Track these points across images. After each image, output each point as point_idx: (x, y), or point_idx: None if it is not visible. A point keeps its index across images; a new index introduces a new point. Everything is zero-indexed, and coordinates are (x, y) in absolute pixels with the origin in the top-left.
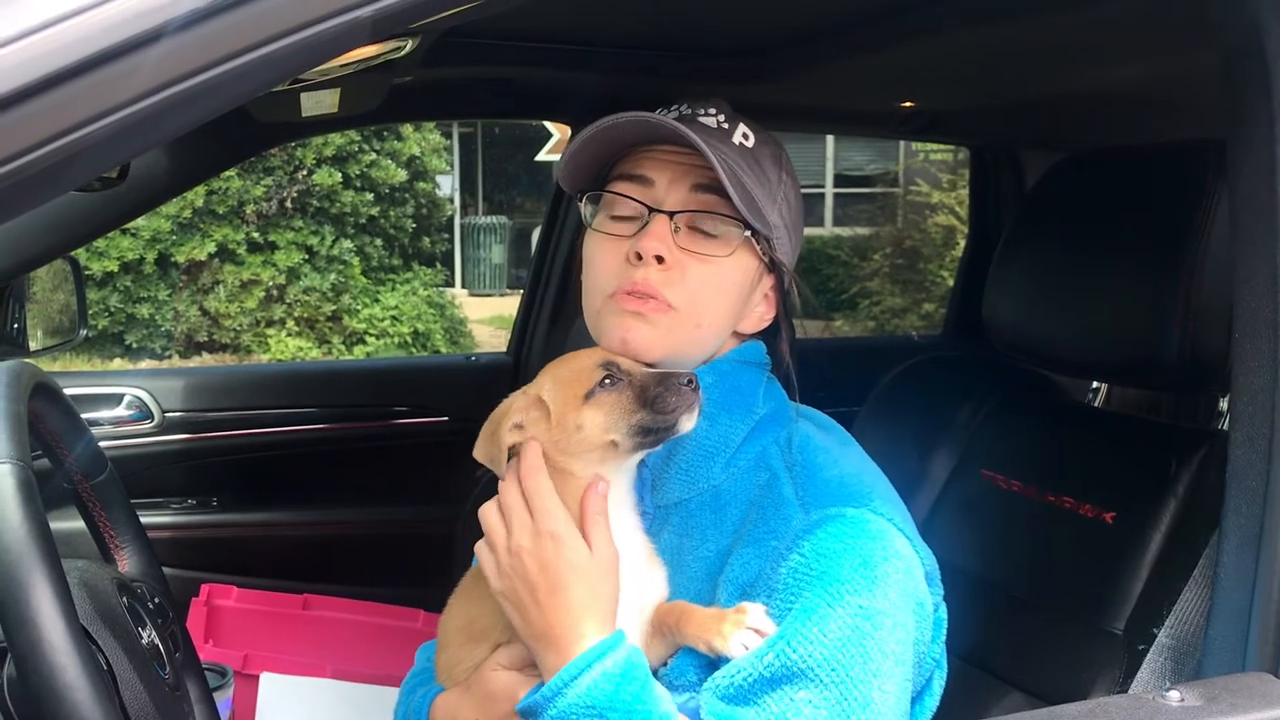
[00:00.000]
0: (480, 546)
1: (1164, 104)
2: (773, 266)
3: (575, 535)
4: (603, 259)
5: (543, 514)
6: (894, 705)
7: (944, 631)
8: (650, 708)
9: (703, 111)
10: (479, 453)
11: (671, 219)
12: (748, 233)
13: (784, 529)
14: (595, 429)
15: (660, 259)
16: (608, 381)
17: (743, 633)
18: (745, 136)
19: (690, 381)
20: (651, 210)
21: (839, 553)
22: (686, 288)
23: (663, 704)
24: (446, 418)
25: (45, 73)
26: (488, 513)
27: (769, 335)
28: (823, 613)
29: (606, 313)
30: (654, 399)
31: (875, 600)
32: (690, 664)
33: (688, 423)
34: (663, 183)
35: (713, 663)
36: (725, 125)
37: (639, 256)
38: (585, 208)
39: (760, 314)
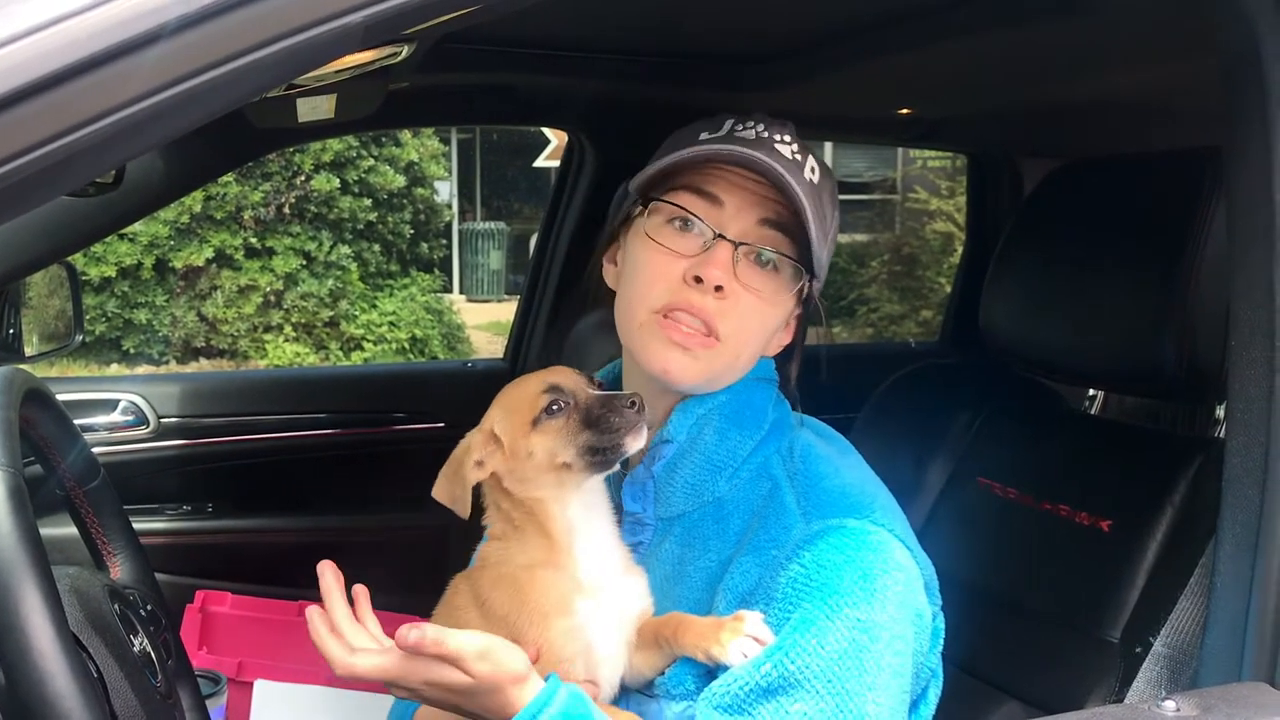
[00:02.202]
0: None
1: (1162, 112)
2: (806, 299)
3: (443, 679)
4: (654, 270)
5: (396, 678)
6: (889, 718)
7: (941, 641)
8: None
9: (779, 138)
10: (440, 494)
11: (736, 249)
12: (807, 277)
13: (784, 538)
14: (544, 454)
15: (719, 288)
16: (554, 408)
17: (741, 640)
18: (813, 170)
19: (633, 404)
20: (717, 235)
21: (839, 564)
22: (737, 320)
23: None
24: (443, 424)
25: (40, 75)
26: None
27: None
28: (821, 624)
29: (650, 334)
30: (598, 420)
31: (873, 613)
32: (688, 673)
33: (633, 443)
34: (732, 206)
35: (710, 672)
36: (798, 156)
37: (698, 280)
38: (641, 209)
39: (779, 340)
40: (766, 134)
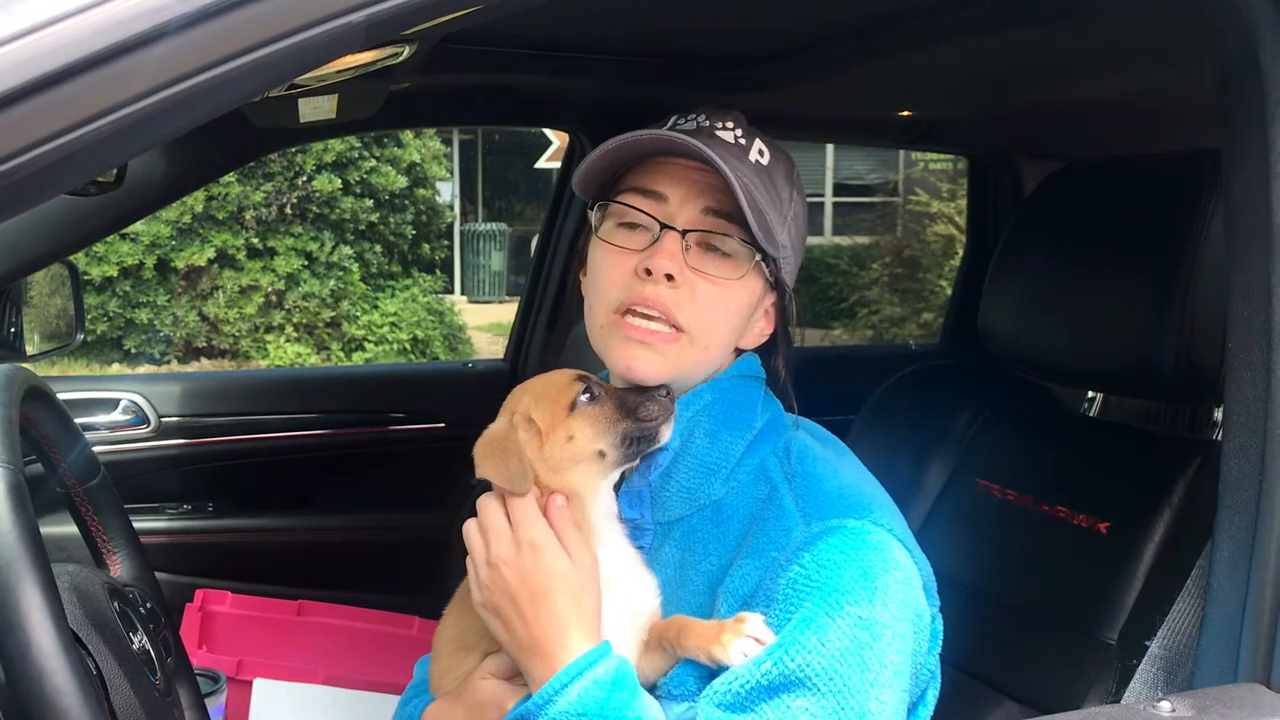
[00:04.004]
0: (469, 561)
1: (1161, 114)
2: (776, 284)
3: (555, 544)
4: (610, 271)
5: (521, 524)
6: (891, 716)
7: (939, 642)
8: (641, 714)
9: (720, 125)
10: (492, 473)
11: (683, 237)
12: (759, 257)
13: (785, 540)
14: (585, 439)
15: (670, 277)
16: (587, 395)
17: (742, 641)
18: (761, 153)
19: (668, 393)
20: (663, 226)
21: (839, 564)
22: (695, 308)
23: (652, 711)
24: (443, 424)
25: (42, 73)
26: (469, 529)
27: (764, 348)
28: (822, 622)
29: (611, 335)
30: (635, 408)
31: (875, 611)
32: (690, 674)
33: (667, 431)
34: (676, 199)
35: (713, 673)
36: (742, 141)
37: (648, 272)
38: (594, 215)
39: (760, 330)
40: (708, 123)
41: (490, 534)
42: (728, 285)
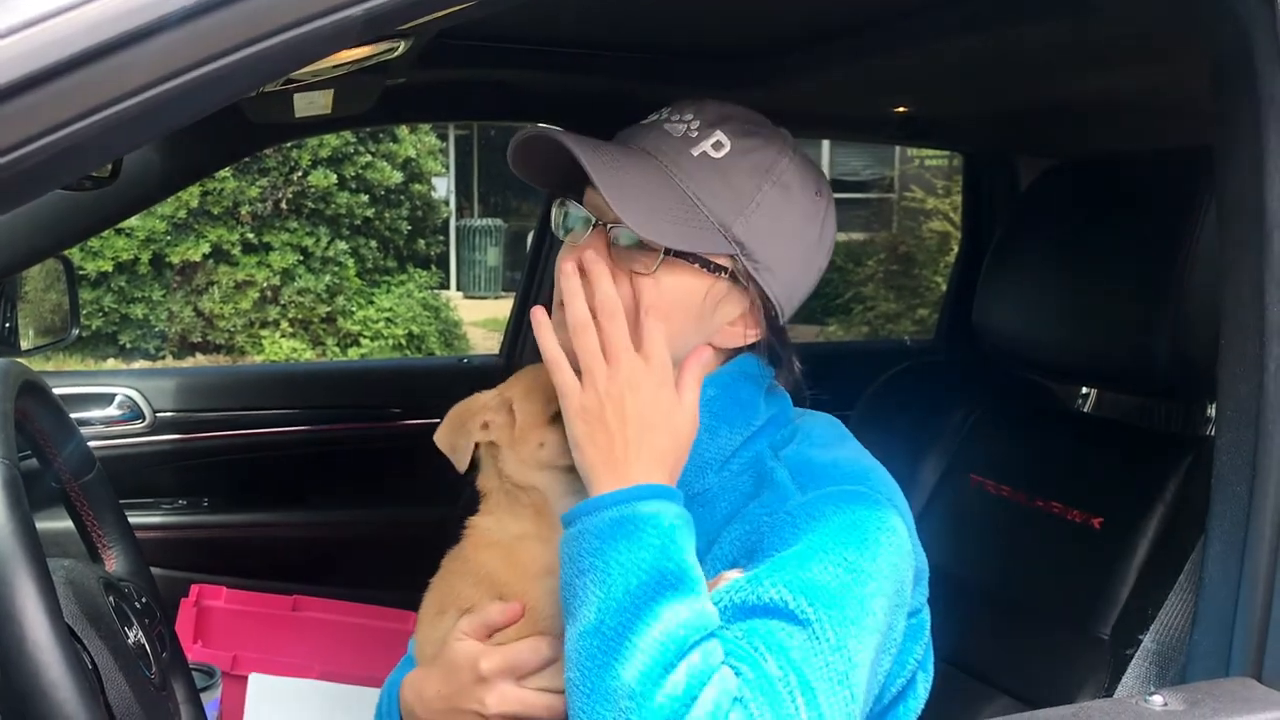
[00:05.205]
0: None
1: (1156, 111)
2: (735, 279)
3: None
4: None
5: (664, 366)
6: (867, 664)
7: (927, 633)
8: (695, 563)
9: (677, 118)
10: (441, 441)
11: (608, 230)
12: (670, 250)
13: (778, 506)
14: (556, 453)
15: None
16: None
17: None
18: (716, 146)
19: None
20: (590, 222)
21: (831, 515)
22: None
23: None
24: (438, 419)
25: (37, 68)
26: (585, 332)
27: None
28: (806, 557)
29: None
30: None
31: (862, 560)
32: None
33: None
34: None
35: None
36: (694, 134)
37: None
38: (558, 213)
39: (740, 331)
40: (664, 117)
41: (620, 356)
42: (642, 279)
